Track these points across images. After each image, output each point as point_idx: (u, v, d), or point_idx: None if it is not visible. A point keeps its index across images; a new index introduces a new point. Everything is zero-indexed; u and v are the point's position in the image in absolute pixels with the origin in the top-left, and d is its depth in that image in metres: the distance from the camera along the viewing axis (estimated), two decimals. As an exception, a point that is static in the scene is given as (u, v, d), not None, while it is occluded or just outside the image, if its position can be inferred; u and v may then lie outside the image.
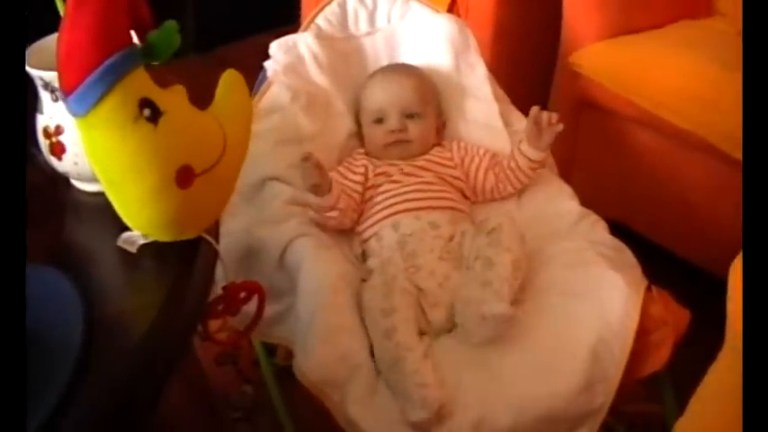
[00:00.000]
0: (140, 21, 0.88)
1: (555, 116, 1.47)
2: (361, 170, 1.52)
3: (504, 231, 1.31)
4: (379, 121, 1.55)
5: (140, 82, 0.86)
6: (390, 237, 1.41)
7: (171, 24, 0.90)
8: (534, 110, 1.47)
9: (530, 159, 1.49)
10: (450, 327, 1.31)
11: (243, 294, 1.01)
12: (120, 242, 0.93)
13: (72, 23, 0.82)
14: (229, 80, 0.99)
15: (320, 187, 1.39)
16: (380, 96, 1.56)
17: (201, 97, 0.98)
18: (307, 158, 1.36)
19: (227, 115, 0.96)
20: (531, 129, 1.48)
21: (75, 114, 0.85)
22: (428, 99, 1.58)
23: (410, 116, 1.54)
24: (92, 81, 0.82)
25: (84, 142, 0.88)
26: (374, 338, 1.25)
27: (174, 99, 0.90)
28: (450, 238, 1.39)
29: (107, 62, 0.82)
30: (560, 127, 1.47)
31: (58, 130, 1.02)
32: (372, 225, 1.45)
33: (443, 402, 1.15)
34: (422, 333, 1.28)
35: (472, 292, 1.25)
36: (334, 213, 1.43)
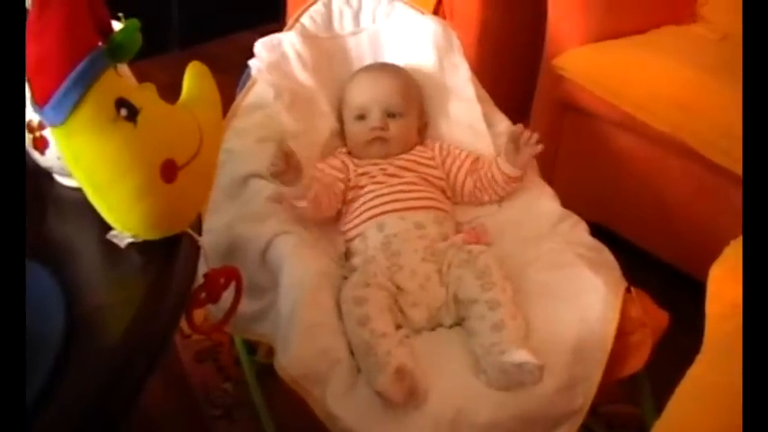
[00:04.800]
0: (100, 23, 0.88)
1: (535, 136, 1.48)
2: (340, 165, 1.53)
3: (493, 274, 1.31)
4: (361, 117, 1.56)
5: (113, 83, 0.86)
6: (375, 237, 1.41)
7: (133, 22, 0.90)
8: (515, 128, 1.48)
9: (505, 174, 1.50)
10: (433, 326, 1.32)
11: (222, 280, 1.01)
12: (109, 236, 0.93)
13: (37, 33, 0.82)
14: (196, 71, 0.99)
15: (284, 176, 1.38)
16: (364, 93, 1.57)
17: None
18: (281, 144, 1.37)
19: (199, 105, 0.97)
20: (509, 146, 1.48)
21: (52, 123, 0.85)
22: (411, 99, 1.59)
23: (392, 115, 1.55)
24: (66, 88, 0.82)
25: (65, 151, 0.87)
26: (348, 327, 1.25)
27: (146, 95, 0.90)
28: (435, 239, 1.40)
29: (78, 67, 0.82)
30: (539, 147, 1.48)
31: (42, 125, 1.01)
32: (357, 225, 1.46)
33: (414, 375, 1.15)
34: (400, 326, 1.29)
35: (489, 337, 1.23)
36: (302, 203, 1.42)
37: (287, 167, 1.37)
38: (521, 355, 1.17)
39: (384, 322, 1.24)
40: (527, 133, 1.47)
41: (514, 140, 1.47)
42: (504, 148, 1.50)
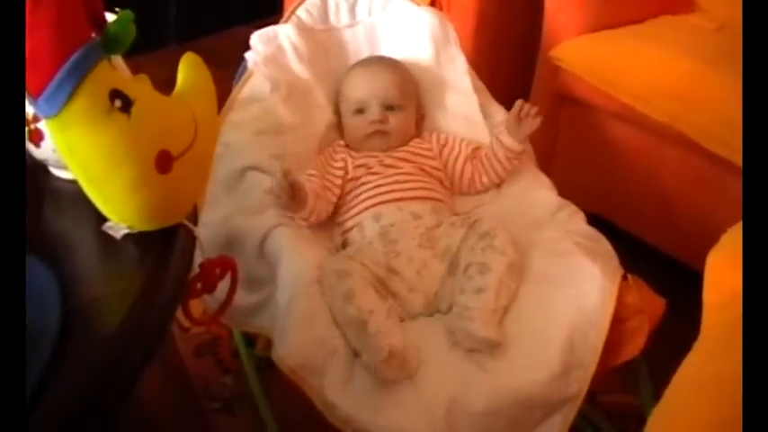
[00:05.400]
0: (94, 15, 0.88)
1: (535, 109, 1.49)
2: (341, 164, 1.52)
3: (497, 236, 1.32)
4: (360, 111, 1.56)
5: (107, 74, 0.86)
6: (372, 228, 1.41)
7: (126, 14, 0.90)
8: (518, 101, 1.50)
9: (506, 148, 1.50)
10: (430, 312, 1.32)
11: (218, 270, 1.01)
12: (105, 227, 0.93)
13: (30, 25, 0.82)
14: (190, 62, 0.99)
15: (294, 208, 1.39)
16: (362, 88, 1.57)
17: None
18: (286, 176, 1.35)
19: (193, 96, 0.97)
20: (511, 118, 1.50)
21: (46, 115, 0.85)
22: (409, 92, 1.59)
23: (390, 108, 1.55)
24: (60, 79, 0.82)
25: (59, 143, 0.87)
26: (333, 303, 1.25)
27: (140, 87, 0.90)
28: (432, 228, 1.40)
29: (72, 59, 0.82)
30: (539, 120, 1.49)
31: (37, 118, 1.01)
32: (354, 216, 1.46)
33: (405, 351, 1.17)
34: (401, 320, 1.29)
35: (468, 300, 1.25)
36: (304, 224, 1.43)
37: (295, 202, 1.38)
38: (485, 331, 1.20)
39: (369, 298, 1.25)
40: (527, 106, 1.49)
41: (516, 112, 1.49)
42: (506, 121, 1.51)
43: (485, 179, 1.54)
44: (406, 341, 1.21)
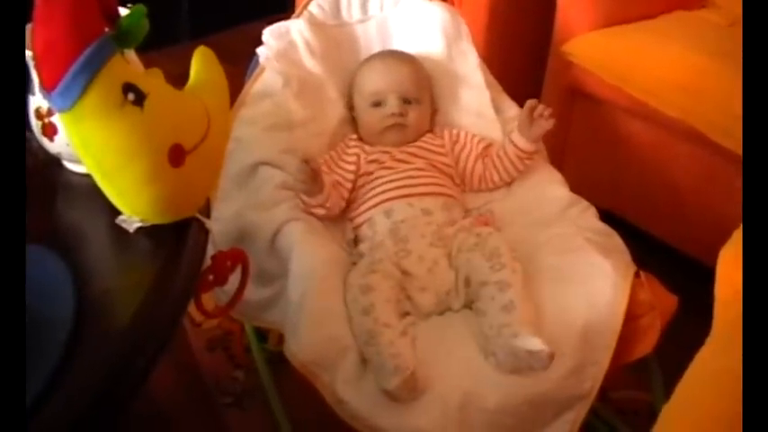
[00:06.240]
0: (108, 9, 0.88)
1: (549, 110, 1.48)
2: (353, 159, 1.52)
3: (502, 255, 1.31)
4: (377, 104, 1.55)
5: (120, 68, 0.87)
6: (383, 223, 1.41)
7: (139, 8, 0.91)
8: (530, 101, 1.49)
9: (518, 148, 1.50)
10: (441, 311, 1.32)
11: (229, 263, 1.02)
12: (118, 220, 0.94)
13: (44, 18, 0.82)
14: (202, 57, 1.00)
15: (312, 191, 1.40)
16: (379, 80, 1.56)
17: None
18: (307, 162, 1.37)
19: (206, 90, 0.97)
20: (523, 118, 1.49)
21: (60, 109, 0.86)
22: (424, 86, 1.59)
23: (407, 101, 1.55)
24: (74, 73, 0.82)
25: (73, 137, 0.88)
26: (353, 315, 1.25)
27: (153, 81, 0.90)
28: (443, 225, 1.40)
29: (86, 52, 0.83)
30: (552, 122, 1.48)
31: (51, 111, 1.02)
32: (365, 211, 1.46)
33: (416, 373, 1.15)
34: (407, 314, 1.30)
35: (500, 318, 1.23)
36: (320, 211, 1.44)
37: (313, 185, 1.39)
38: (534, 343, 1.17)
39: (388, 312, 1.25)
40: (541, 106, 1.48)
41: (529, 113, 1.48)
42: (518, 121, 1.51)
43: (496, 177, 1.54)
44: (417, 356, 1.19)
